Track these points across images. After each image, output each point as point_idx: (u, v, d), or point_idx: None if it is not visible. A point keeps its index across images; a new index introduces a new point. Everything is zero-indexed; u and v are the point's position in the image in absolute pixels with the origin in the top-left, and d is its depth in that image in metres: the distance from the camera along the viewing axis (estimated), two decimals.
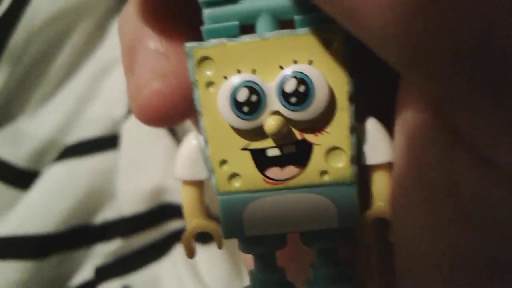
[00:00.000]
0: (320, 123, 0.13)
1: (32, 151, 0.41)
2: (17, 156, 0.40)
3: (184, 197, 0.15)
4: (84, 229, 0.39)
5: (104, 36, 0.45)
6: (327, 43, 0.13)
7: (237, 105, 0.13)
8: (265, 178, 0.13)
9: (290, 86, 0.13)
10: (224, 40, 0.13)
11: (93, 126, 0.42)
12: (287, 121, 0.13)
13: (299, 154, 0.13)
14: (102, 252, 0.39)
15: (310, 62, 0.13)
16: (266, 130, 0.13)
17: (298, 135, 0.13)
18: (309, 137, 0.13)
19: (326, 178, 0.13)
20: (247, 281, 0.38)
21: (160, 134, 0.41)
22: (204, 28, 0.13)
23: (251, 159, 0.13)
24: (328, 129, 0.13)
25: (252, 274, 0.15)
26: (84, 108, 0.43)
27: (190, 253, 0.15)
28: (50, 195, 0.39)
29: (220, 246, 0.14)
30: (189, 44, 0.13)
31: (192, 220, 0.14)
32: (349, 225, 0.13)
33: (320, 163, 0.13)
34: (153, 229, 0.40)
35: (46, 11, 0.41)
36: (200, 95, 0.13)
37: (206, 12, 0.13)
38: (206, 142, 0.14)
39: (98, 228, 0.40)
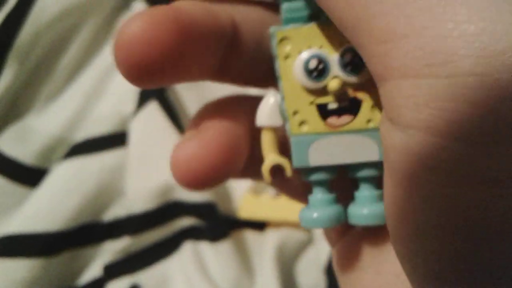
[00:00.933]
0: (368, 85, 0.17)
1: (40, 148, 0.41)
2: (25, 153, 0.41)
3: (263, 139, 0.19)
4: (93, 226, 0.40)
5: (111, 33, 0.45)
6: None
7: (308, 71, 0.17)
8: (326, 124, 0.18)
9: (347, 58, 0.17)
10: (298, 24, 0.18)
11: (101, 123, 0.42)
12: (345, 83, 0.17)
13: (352, 107, 0.17)
14: (111, 249, 0.39)
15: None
16: (329, 88, 0.17)
17: (352, 93, 0.17)
18: (360, 95, 0.17)
19: (371, 124, 0.17)
20: (256, 279, 0.37)
21: (168, 131, 0.41)
22: (283, 17, 0.18)
23: (316, 110, 0.18)
24: (373, 90, 0.17)
25: (310, 197, 0.19)
26: (92, 105, 0.43)
27: (268, 180, 0.19)
28: (58, 192, 0.39)
29: (289, 174, 0.18)
30: (273, 28, 0.18)
31: (269, 155, 0.19)
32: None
33: (367, 114, 0.17)
34: (162, 227, 0.40)
35: (52, 9, 0.41)
36: (280, 65, 0.18)
37: (284, 5, 0.18)
38: (282, 98, 0.18)
39: (107, 225, 0.40)
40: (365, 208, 0.18)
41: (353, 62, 0.17)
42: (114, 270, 0.38)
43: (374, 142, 0.18)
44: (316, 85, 0.18)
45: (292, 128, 0.18)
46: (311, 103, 0.18)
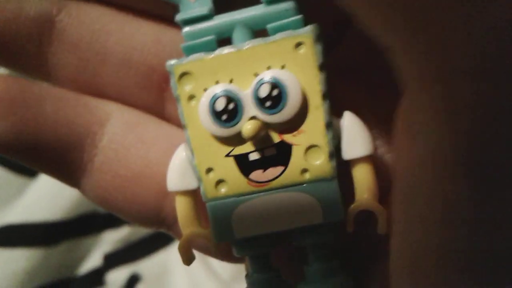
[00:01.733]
0: (296, 123, 0.14)
1: None
2: None
3: (178, 207, 0.15)
4: (92, 216, 0.40)
5: None
6: (297, 46, 0.14)
7: (216, 114, 0.14)
8: (250, 181, 0.14)
9: (263, 91, 0.13)
10: (202, 54, 0.14)
11: None
12: (265, 125, 0.14)
13: (279, 155, 0.14)
14: (111, 239, 0.39)
15: (283, 66, 0.14)
16: (243, 134, 0.13)
17: (277, 137, 0.14)
18: (288, 138, 0.14)
19: (307, 175, 0.14)
20: None
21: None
22: (183, 45, 0.14)
23: (235, 164, 0.14)
24: (305, 128, 0.14)
25: (248, 277, 0.16)
26: None
27: (187, 261, 0.15)
28: (57, 182, 0.38)
29: (214, 251, 0.15)
30: (170, 62, 0.14)
31: (186, 229, 0.15)
32: (334, 219, 0.14)
33: (300, 162, 0.14)
34: None
35: None
36: (183, 109, 0.14)
37: (184, 30, 0.14)
38: (192, 152, 0.15)
39: (106, 215, 0.40)
40: None
41: (272, 95, 0.13)
42: (113, 259, 0.39)
43: (314, 199, 0.14)
44: (229, 131, 0.14)
45: (206, 191, 0.15)
46: (227, 155, 0.14)
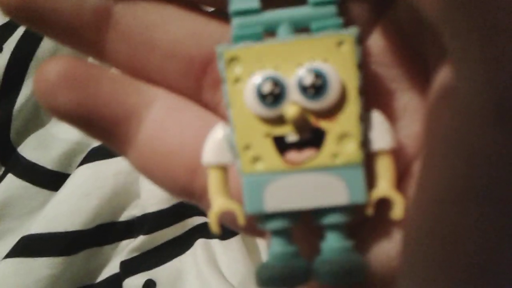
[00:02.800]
0: (333, 112, 0.15)
1: (61, 154, 0.43)
2: (47, 159, 0.43)
3: (209, 180, 0.16)
4: (110, 226, 0.41)
5: None
6: (339, 44, 0.15)
7: (262, 96, 0.15)
8: (285, 161, 0.15)
9: (308, 80, 0.15)
10: (250, 42, 0.15)
11: None
12: (304, 110, 0.15)
13: (314, 139, 0.15)
14: (128, 248, 0.41)
15: (326, 60, 0.15)
16: (286, 116, 0.15)
17: (313, 123, 0.15)
18: (323, 125, 0.15)
19: (338, 160, 0.15)
20: None
21: None
22: (234, 34, 0.15)
23: (272, 144, 0.15)
24: (340, 117, 0.15)
25: (269, 250, 0.16)
26: None
27: (216, 229, 0.16)
28: (77, 195, 0.41)
29: (242, 222, 0.16)
30: (220, 46, 0.15)
31: (216, 199, 0.16)
32: (359, 201, 0.15)
33: (333, 147, 0.15)
34: (175, 226, 0.41)
35: None
36: (229, 90, 0.15)
37: (236, 21, 0.16)
38: (232, 130, 0.15)
39: (124, 225, 0.42)
40: (334, 263, 0.15)
41: (315, 85, 0.15)
42: (130, 267, 0.40)
43: (342, 181, 0.15)
44: (272, 113, 0.15)
45: (243, 165, 0.15)
46: (267, 135, 0.15)
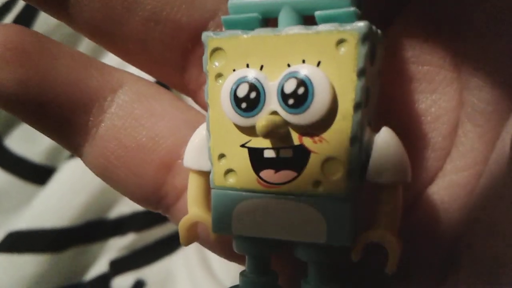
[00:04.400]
0: (320, 129, 0.12)
1: (48, 148, 0.42)
2: (33, 152, 0.41)
3: (189, 185, 0.14)
4: (99, 223, 0.40)
5: None
6: (339, 44, 0.12)
7: (236, 100, 0.13)
8: (259, 179, 0.13)
9: (289, 87, 0.12)
10: (239, 32, 0.13)
11: None
12: (286, 123, 0.12)
13: (295, 159, 0.12)
14: (117, 246, 0.40)
15: (319, 63, 0.12)
16: (256, 128, 0.12)
17: (296, 139, 0.12)
18: (308, 143, 0.12)
19: (320, 189, 0.12)
20: None
21: None
22: (224, 18, 0.13)
23: (248, 157, 0.13)
24: (328, 137, 0.12)
25: (242, 275, 0.14)
26: None
27: (185, 240, 0.14)
28: (65, 190, 0.40)
29: (213, 243, 0.14)
30: (206, 33, 0.13)
31: (191, 208, 0.14)
32: (338, 243, 0.12)
33: (316, 173, 0.12)
34: (165, 224, 0.40)
35: None
36: (209, 86, 0.13)
37: (230, 1, 0.13)
38: (209, 133, 0.13)
39: (112, 222, 0.41)
40: None
41: (297, 93, 0.12)
42: (119, 266, 0.39)
43: (321, 216, 0.12)
44: (247, 121, 0.13)
45: (215, 177, 0.13)
46: (242, 145, 0.13)
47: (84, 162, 0.16)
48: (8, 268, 0.37)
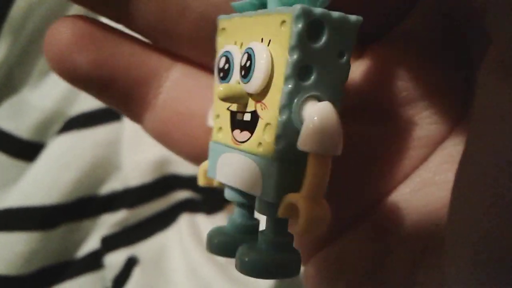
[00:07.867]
0: (263, 98, 0.14)
1: (36, 123, 0.41)
2: (21, 128, 0.41)
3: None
4: (90, 200, 0.40)
5: None
6: (282, 24, 0.14)
7: (218, 71, 0.15)
8: (232, 137, 0.15)
9: (242, 60, 0.14)
10: (235, 14, 0.15)
11: None
12: (242, 91, 0.14)
13: (251, 122, 0.15)
14: (108, 222, 0.40)
15: (269, 42, 0.14)
16: (216, 94, 0.15)
17: (252, 106, 0.14)
18: (258, 110, 0.14)
19: (260, 149, 0.14)
20: None
21: None
22: (232, 3, 0.15)
23: (229, 118, 0.15)
24: (268, 105, 0.14)
25: (229, 218, 0.16)
26: None
27: (200, 182, 0.17)
28: (55, 166, 0.39)
29: (201, 182, 0.17)
30: (222, 16, 0.16)
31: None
32: (268, 199, 0.14)
33: (259, 135, 0.14)
34: (158, 200, 0.40)
35: None
36: (216, 60, 0.16)
37: None
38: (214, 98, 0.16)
39: (104, 199, 0.40)
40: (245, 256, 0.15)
41: (246, 65, 0.14)
42: (111, 242, 0.39)
43: (260, 173, 0.14)
44: None
45: (213, 132, 0.16)
46: (227, 108, 0.16)
47: (144, 128, 0.18)
48: None
